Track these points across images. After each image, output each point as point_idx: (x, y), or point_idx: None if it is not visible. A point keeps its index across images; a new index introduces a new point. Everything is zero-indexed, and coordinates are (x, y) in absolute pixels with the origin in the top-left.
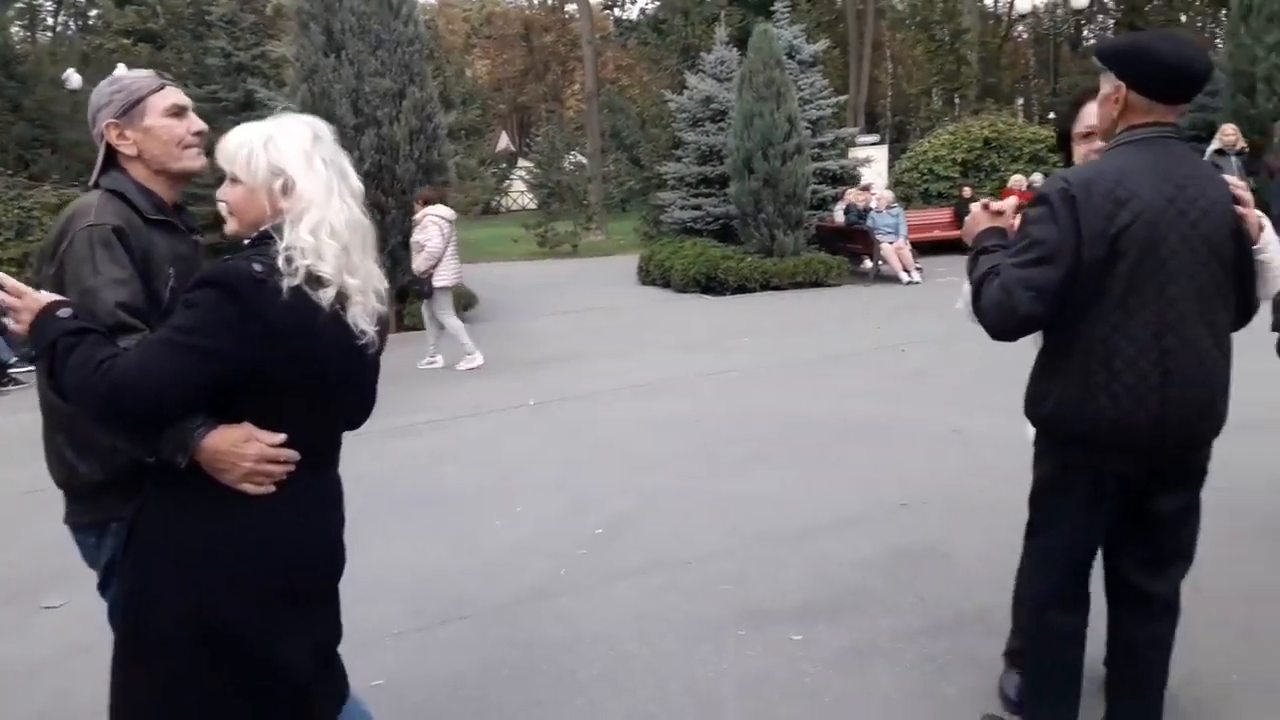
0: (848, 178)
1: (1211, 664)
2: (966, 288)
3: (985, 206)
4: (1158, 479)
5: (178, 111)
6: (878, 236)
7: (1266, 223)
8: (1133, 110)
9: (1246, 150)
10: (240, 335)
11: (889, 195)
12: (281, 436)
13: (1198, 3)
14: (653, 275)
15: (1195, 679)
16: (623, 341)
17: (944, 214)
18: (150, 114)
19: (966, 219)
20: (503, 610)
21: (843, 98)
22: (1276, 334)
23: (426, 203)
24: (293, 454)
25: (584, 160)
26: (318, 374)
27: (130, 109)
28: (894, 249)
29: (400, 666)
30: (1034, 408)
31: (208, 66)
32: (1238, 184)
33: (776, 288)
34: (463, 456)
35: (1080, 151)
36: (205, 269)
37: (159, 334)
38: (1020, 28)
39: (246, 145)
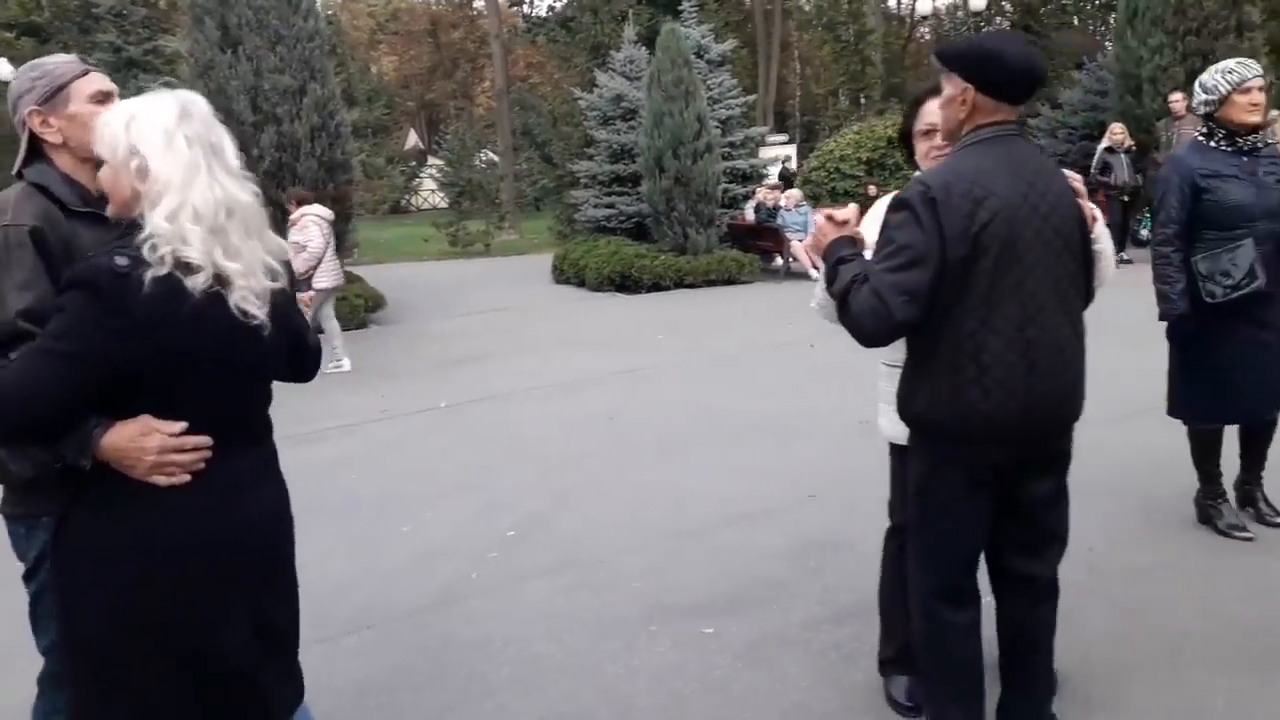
0: (758, 176)
1: (1102, 640)
2: (819, 289)
3: (829, 218)
4: (1027, 467)
5: (103, 98)
6: (788, 234)
7: (1099, 214)
8: (980, 110)
9: (1134, 148)
10: (106, 334)
11: (798, 194)
12: (181, 425)
13: (1088, 7)
14: (567, 274)
15: (1088, 659)
16: (537, 341)
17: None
18: (75, 100)
19: (812, 233)
20: (410, 616)
21: (751, 97)
22: (1164, 323)
23: (301, 203)
24: (201, 439)
25: (495, 158)
26: (198, 362)
27: (53, 95)
28: (803, 246)
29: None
30: (906, 407)
31: (97, 62)
32: (1074, 177)
33: (690, 285)
34: (371, 462)
35: (921, 149)
36: (73, 268)
37: (36, 342)
38: (923, 29)
39: (110, 124)
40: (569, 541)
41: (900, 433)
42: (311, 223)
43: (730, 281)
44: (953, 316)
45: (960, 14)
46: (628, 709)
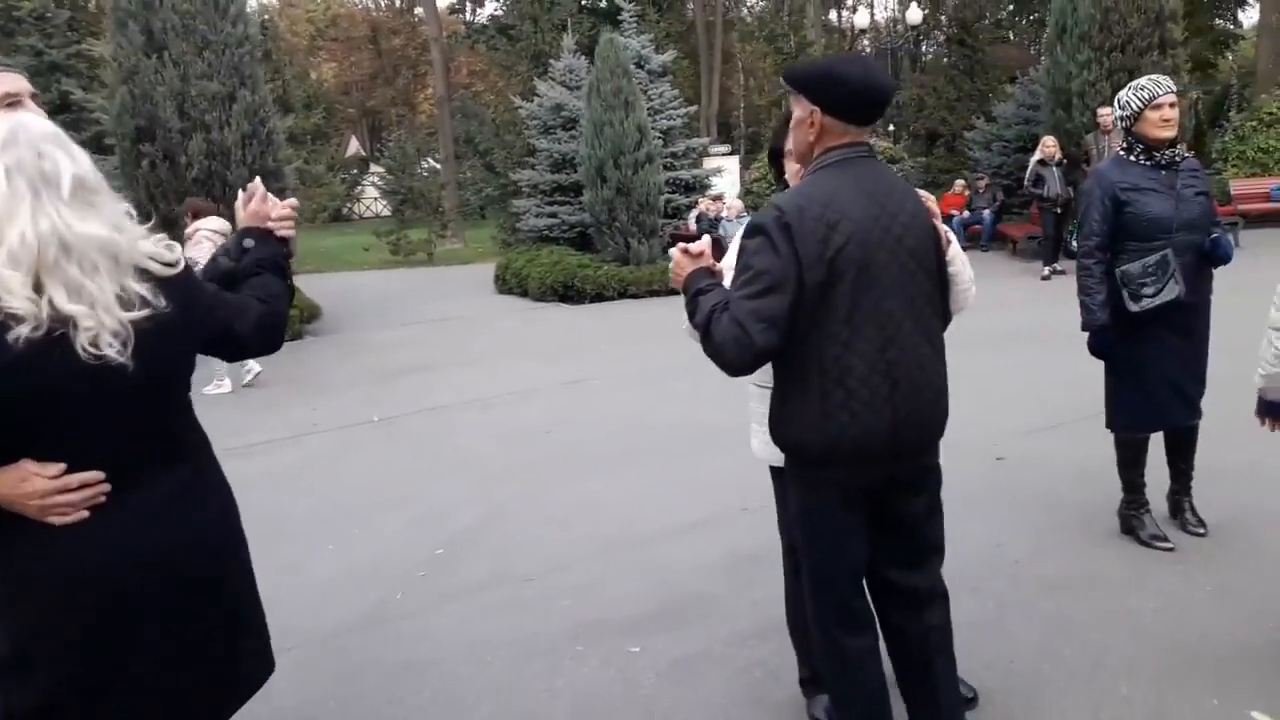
0: (700, 187)
1: (1025, 653)
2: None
3: (685, 251)
4: (898, 484)
5: (12, 102)
6: (728, 244)
7: (953, 237)
8: (828, 133)
9: (1066, 161)
10: None
11: (739, 205)
12: (58, 467)
13: (1023, 22)
14: (509, 284)
15: (1009, 669)
16: (477, 352)
17: None
18: None
19: (671, 266)
20: (330, 640)
21: (693, 108)
22: (1086, 333)
23: (196, 215)
24: (89, 476)
25: (438, 166)
26: (56, 405)
27: None
28: (671, 279)
29: None
30: (777, 432)
31: (18, 65)
32: (928, 197)
33: (634, 295)
34: (298, 478)
35: (791, 168)
36: None
37: None
38: (864, 41)
39: None
40: (500, 559)
41: (774, 455)
42: (205, 238)
43: (674, 292)
44: (814, 342)
45: (900, 27)
46: None
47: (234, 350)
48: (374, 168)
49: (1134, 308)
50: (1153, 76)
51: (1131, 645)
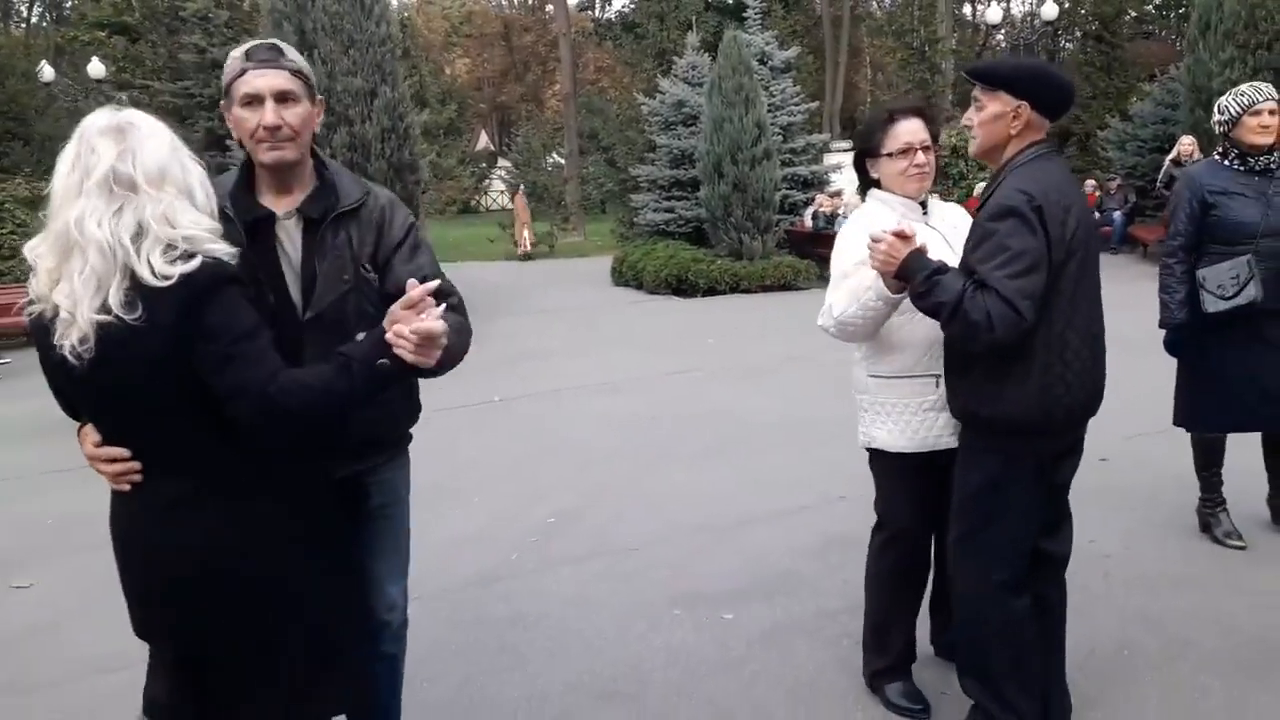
0: (818, 183)
1: (1105, 642)
2: (837, 307)
3: (900, 235)
4: (1069, 450)
5: (248, 100)
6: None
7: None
8: (1032, 128)
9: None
10: None
11: (857, 201)
12: (96, 437)
13: (1169, 17)
14: (625, 277)
15: (1089, 655)
16: (591, 341)
17: None
18: (234, 102)
19: (879, 250)
20: (451, 594)
21: (815, 104)
22: (1164, 329)
23: None
24: (118, 451)
25: (562, 161)
26: (60, 382)
27: (225, 92)
28: (873, 266)
29: None
30: (989, 408)
31: (181, 62)
32: None
33: (746, 290)
34: (426, 451)
35: (899, 166)
36: None
37: None
38: (998, 36)
39: None
40: (604, 531)
41: (910, 441)
42: None
43: (786, 287)
44: (1044, 319)
45: (1036, 22)
46: (646, 682)
47: (221, 407)
48: (501, 161)
49: (1210, 309)
50: (1255, 83)
51: (1215, 639)
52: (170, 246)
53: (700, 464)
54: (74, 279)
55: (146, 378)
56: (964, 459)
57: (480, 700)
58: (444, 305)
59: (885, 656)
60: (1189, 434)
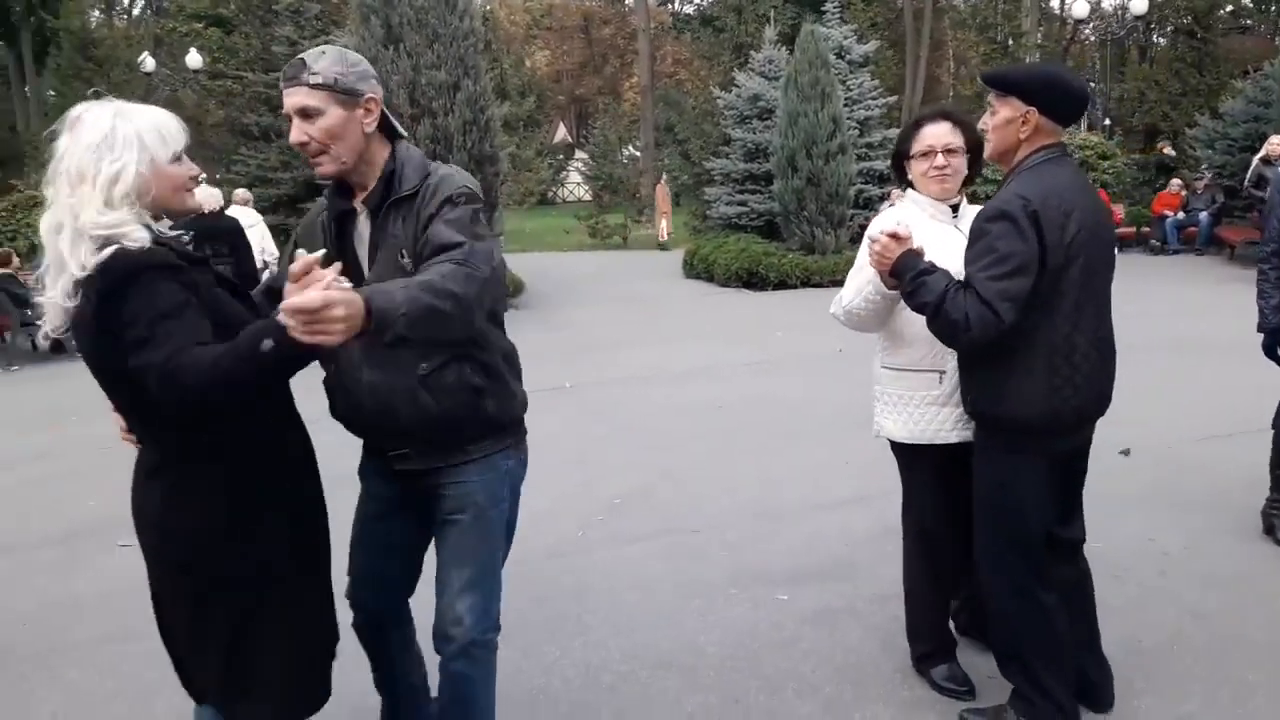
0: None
1: (1156, 635)
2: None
3: (894, 235)
4: (1080, 449)
5: (303, 112)
6: None
7: None
8: (1041, 132)
9: None
10: None
11: None
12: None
13: (1271, 10)
14: (697, 269)
15: (1138, 647)
16: (661, 331)
17: None
18: None
19: (874, 250)
20: (519, 565)
21: (893, 98)
22: (1262, 334)
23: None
24: (119, 419)
25: (638, 154)
26: None
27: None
28: (871, 264)
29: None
30: (993, 408)
31: (274, 54)
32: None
33: (817, 285)
34: None
35: (920, 168)
36: None
37: None
38: (1086, 30)
39: None
40: (667, 513)
41: (910, 433)
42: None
43: None
44: (1048, 322)
45: (1126, 16)
46: (702, 655)
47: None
48: (578, 154)
49: None
50: None
51: (1265, 636)
52: (91, 239)
53: (764, 452)
54: (48, 270)
55: (98, 357)
56: (977, 458)
57: (544, 665)
58: (336, 278)
59: (923, 642)
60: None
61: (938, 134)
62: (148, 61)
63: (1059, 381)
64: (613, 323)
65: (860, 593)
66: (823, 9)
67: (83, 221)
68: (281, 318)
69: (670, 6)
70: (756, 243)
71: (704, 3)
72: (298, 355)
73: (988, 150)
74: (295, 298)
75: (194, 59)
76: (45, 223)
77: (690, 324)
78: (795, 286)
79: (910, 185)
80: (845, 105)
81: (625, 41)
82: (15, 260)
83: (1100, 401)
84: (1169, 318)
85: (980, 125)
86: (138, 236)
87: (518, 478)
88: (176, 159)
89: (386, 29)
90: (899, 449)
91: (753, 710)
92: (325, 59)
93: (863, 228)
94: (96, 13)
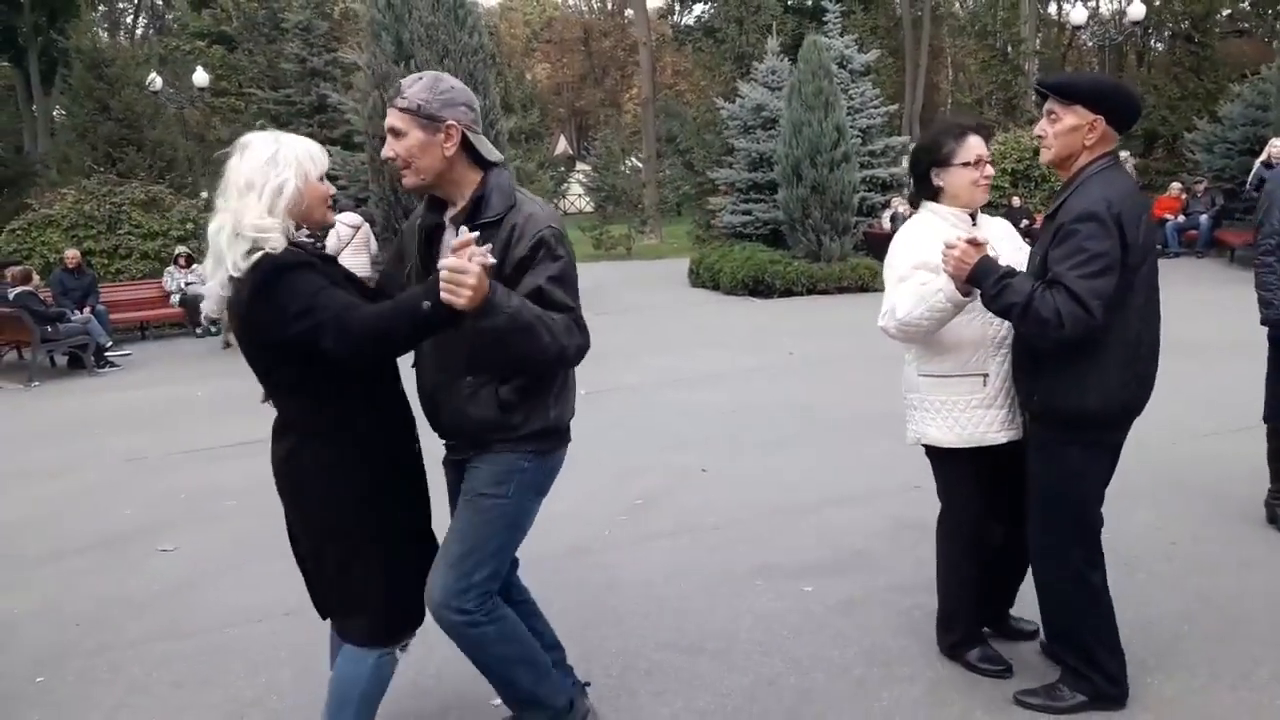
0: (897, 185)
1: (1164, 618)
2: (901, 309)
3: (972, 242)
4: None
5: (392, 131)
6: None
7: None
8: (1104, 140)
9: None
10: None
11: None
12: None
13: (1266, 14)
14: (703, 278)
15: (1147, 628)
16: (669, 339)
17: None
18: None
19: (953, 256)
20: (550, 561)
21: (894, 106)
22: (1266, 328)
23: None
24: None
25: (639, 164)
26: None
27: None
28: (946, 270)
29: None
30: (1072, 401)
31: (282, 70)
32: None
33: (823, 292)
34: None
35: (970, 176)
36: None
37: None
38: (1084, 36)
39: None
40: (688, 511)
41: (958, 437)
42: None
43: (863, 289)
44: (1122, 318)
45: (1124, 20)
46: (733, 642)
47: (325, 358)
48: (580, 166)
49: None
50: None
51: (1270, 617)
52: (244, 239)
53: (779, 452)
54: (209, 264)
55: (255, 332)
56: (1042, 455)
57: (582, 652)
58: (483, 253)
59: (956, 633)
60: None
61: (982, 144)
62: (156, 81)
63: (1129, 376)
64: (622, 331)
65: (880, 583)
66: (824, 19)
67: (244, 224)
68: (442, 273)
69: (670, 18)
70: (762, 250)
71: (705, 14)
72: (447, 316)
73: (1047, 156)
74: (451, 259)
75: (200, 77)
76: (212, 225)
77: (699, 331)
78: (801, 294)
79: (930, 196)
80: (848, 114)
81: (625, 53)
82: (35, 278)
83: (1150, 393)
84: (1172, 320)
85: (1038, 132)
86: (276, 244)
87: (535, 481)
88: (321, 178)
89: (397, 45)
90: (942, 454)
91: (785, 691)
92: (417, 85)
93: (866, 234)
94: (103, 33)
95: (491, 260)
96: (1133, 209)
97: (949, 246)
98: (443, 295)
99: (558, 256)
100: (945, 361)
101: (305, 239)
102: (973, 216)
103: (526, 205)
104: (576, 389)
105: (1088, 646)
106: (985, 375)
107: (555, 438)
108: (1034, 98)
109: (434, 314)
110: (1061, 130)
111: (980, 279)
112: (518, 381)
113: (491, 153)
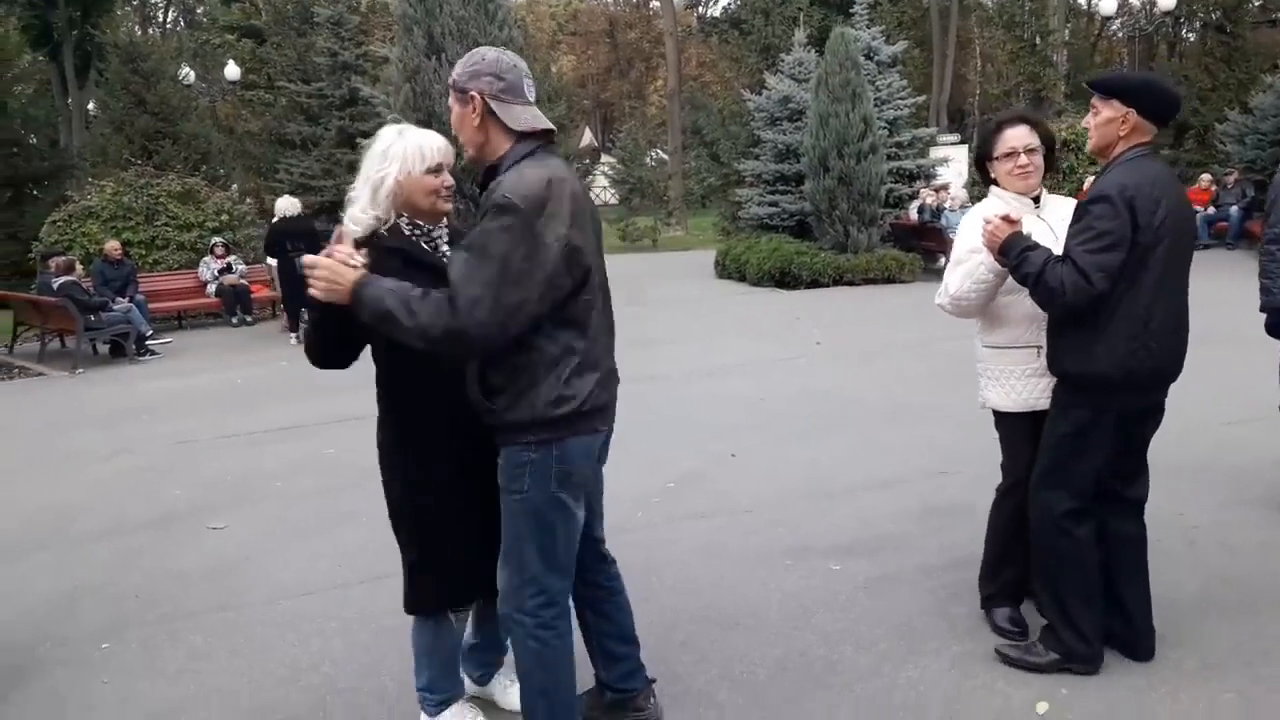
0: (925, 176)
1: (1185, 597)
2: (952, 285)
3: (1006, 218)
4: (1146, 413)
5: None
6: (951, 235)
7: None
8: (1138, 131)
9: None
10: None
11: (963, 195)
12: None
13: None
14: (729, 269)
15: (1170, 605)
16: (697, 330)
17: None
18: None
19: (987, 230)
20: None
21: (921, 98)
22: (1265, 313)
23: None
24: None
25: (665, 157)
26: None
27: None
28: (983, 242)
29: None
30: (1081, 365)
31: (313, 64)
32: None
33: (849, 283)
34: None
35: (1005, 167)
36: None
37: None
38: (1114, 25)
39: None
40: (720, 495)
41: (1015, 402)
42: None
43: (890, 280)
44: (1133, 293)
45: (1155, 10)
46: (764, 617)
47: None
48: (605, 158)
49: None
50: None
51: None
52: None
53: (808, 439)
54: None
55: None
56: (1056, 411)
57: None
58: (349, 252)
59: (994, 584)
60: None
61: (1018, 135)
62: (189, 75)
63: (1136, 345)
64: (649, 322)
65: (909, 563)
66: (851, 10)
67: (352, 213)
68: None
69: (696, 10)
70: (788, 242)
71: (731, 5)
72: (321, 307)
73: (1090, 145)
74: (308, 256)
75: (232, 70)
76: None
77: (726, 322)
78: (827, 285)
79: (994, 183)
80: (875, 105)
81: (650, 45)
82: (79, 268)
83: (1173, 366)
84: (1201, 309)
85: (1084, 123)
86: (359, 227)
87: (546, 470)
88: (432, 171)
89: (429, 39)
90: (1002, 417)
91: (815, 662)
92: (459, 62)
93: (894, 225)
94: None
95: (356, 259)
96: (1151, 193)
97: (986, 221)
98: (310, 288)
99: (489, 225)
100: (1003, 334)
101: (406, 227)
102: (1036, 199)
103: (512, 173)
104: (603, 379)
105: (1065, 603)
106: (1039, 348)
107: (552, 426)
108: (1064, 89)
109: (315, 305)
110: (1099, 122)
111: (1007, 250)
112: (500, 367)
113: (518, 121)
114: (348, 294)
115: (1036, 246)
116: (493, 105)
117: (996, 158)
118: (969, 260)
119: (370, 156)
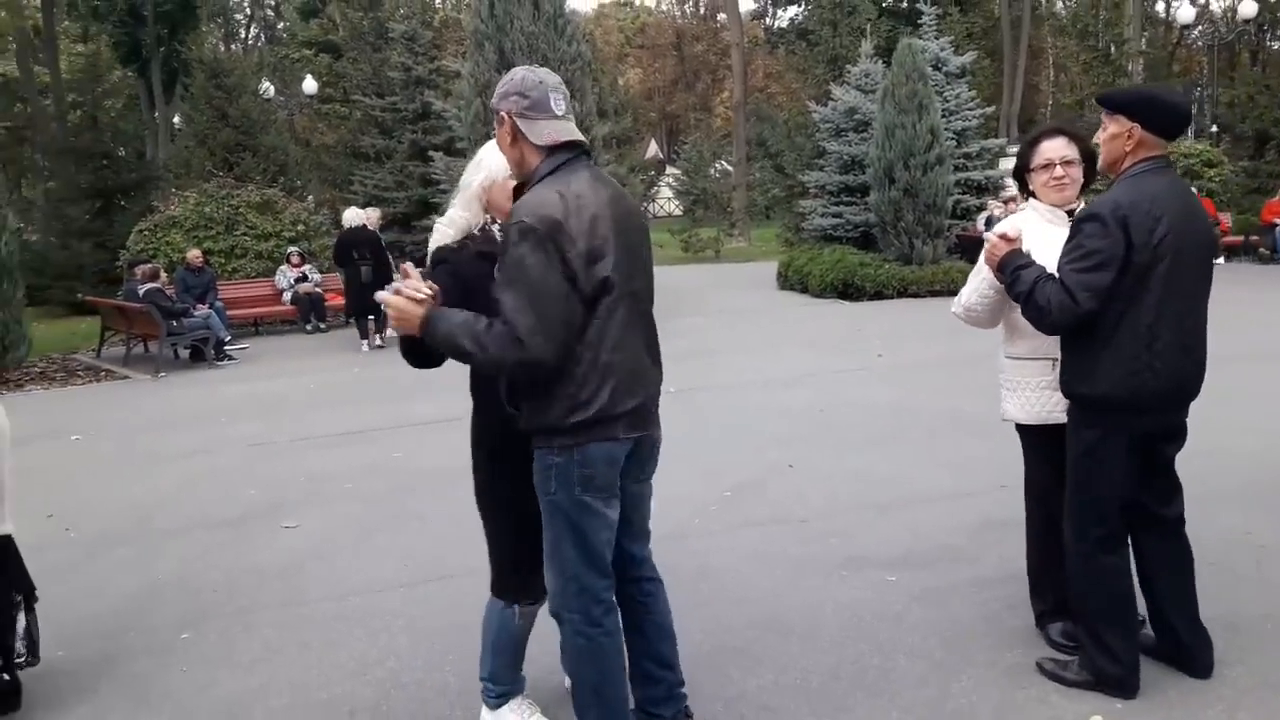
0: (993, 188)
1: (1248, 614)
2: (965, 295)
3: (1003, 237)
4: (1166, 433)
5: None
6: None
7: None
8: (1144, 146)
9: None
10: None
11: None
12: None
13: None
14: (791, 280)
15: (1232, 624)
16: (758, 341)
17: None
18: None
19: (986, 249)
20: None
21: (991, 108)
22: None
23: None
24: None
25: (729, 168)
26: None
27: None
28: (984, 260)
29: None
30: (1085, 386)
31: (387, 78)
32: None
33: (914, 295)
34: None
35: (1041, 179)
36: None
37: None
38: (1194, 34)
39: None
40: (777, 504)
41: (1029, 414)
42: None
43: (955, 293)
44: (1133, 312)
45: (1236, 18)
46: (818, 626)
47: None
48: (669, 169)
49: None
50: None
51: None
52: (447, 224)
53: (867, 450)
54: None
55: None
56: (1069, 431)
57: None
58: (417, 285)
59: (1043, 602)
60: None
61: (1054, 148)
62: (269, 89)
63: (1139, 366)
64: (711, 332)
65: (963, 576)
66: (919, 21)
67: (450, 214)
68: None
69: (763, 21)
70: (852, 253)
71: (799, 17)
72: (406, 337)
73: (1100, 161)
74: (381, 294)
75: (310, 85)
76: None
77: (786, 333)
78: (891, 297)
79: (1032, 195)
80: (943, 116)
81: (717, 58)
82: (163, 276)
83: (1182, 387)
84: (1276, 326)
85: (1095, 139)
86: (444, 238)
87: (570, 473)
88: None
89: (499, 55)
90: (1020, 429)
91: (868, 670)
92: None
93: (960, 237)
94: (220, 44)
95: (423, 292)
96: (1149, 210)
97: (986, 239)
98: (389, 322)
99: (515, 253)
100: (1023, 345)
101: (492, 227)
102: (1071, 212)
103: (531, 193)
104: (625, 387)
105: (1097, 626)
106: (1054, 359)
107: (570, 433)
108: None
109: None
110: (1106, 138)
111: (1003, 268)
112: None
113: (540, 136)
114: (418, 330)
115: (1030, 264)
116: (519, 123)
117: (1033, 169)
118: (986, 272)
119: (468, 167)
